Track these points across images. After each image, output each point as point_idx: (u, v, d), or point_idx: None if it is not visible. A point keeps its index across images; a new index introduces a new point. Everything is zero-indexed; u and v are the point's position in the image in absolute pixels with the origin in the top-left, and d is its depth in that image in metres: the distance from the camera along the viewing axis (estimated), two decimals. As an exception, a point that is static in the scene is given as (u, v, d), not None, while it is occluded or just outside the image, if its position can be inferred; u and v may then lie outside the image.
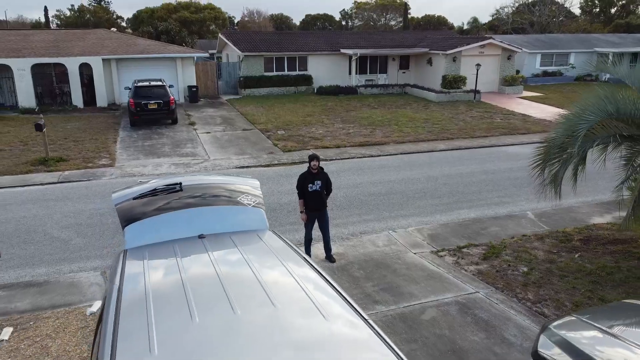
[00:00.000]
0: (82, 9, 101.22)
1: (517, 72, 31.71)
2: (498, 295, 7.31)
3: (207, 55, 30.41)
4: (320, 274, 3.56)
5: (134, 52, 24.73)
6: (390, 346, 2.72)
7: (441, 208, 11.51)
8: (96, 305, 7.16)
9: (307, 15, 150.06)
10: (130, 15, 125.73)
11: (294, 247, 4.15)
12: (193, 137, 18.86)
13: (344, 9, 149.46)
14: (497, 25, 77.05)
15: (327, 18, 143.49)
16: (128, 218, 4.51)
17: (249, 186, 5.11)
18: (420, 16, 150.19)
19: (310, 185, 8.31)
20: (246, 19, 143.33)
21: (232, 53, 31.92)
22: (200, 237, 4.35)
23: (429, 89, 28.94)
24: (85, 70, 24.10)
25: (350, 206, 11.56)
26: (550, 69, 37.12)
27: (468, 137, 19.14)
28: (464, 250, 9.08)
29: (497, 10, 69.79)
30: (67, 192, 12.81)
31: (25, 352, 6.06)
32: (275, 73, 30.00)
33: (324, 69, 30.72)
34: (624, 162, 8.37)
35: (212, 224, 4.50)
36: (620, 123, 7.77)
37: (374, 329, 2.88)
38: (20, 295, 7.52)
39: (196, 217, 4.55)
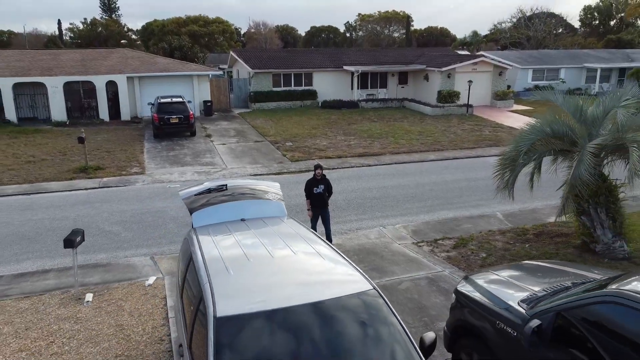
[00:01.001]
0: (94, 22, 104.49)
1: (508, 87, 33.93)
2: (459, 273, 9.46)
3: (220, 73, 32.76)
4: (319, 237, 5.78)
5: (154, 70, 27.17)
6: (358, 270, 4.93)
7: (425, 209, 13.69)
8: (151, 280, 9.38)
9: (312, 27, 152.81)
10: (139, 27, 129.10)
11: (304, 225, 6.38)
12: (211, 148, 21.16)
13: (348, 21, 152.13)
14: (496, 39, 79.45)
15: (331, 30, 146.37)
16: (193, 207, 6.75)
17: (273, 187, 7.36)
18: (423, 28, 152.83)
19: (315, 188, 10.55)
20: (252, 30, 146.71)
21: (242, 69, 34.34)
22: (242, 220, 6.57)
23: (425, 103, 31.21)
24: (111, 87, 26.51)
25: (349, 208, 13.76)
26: (541, 83, 39.27)
27: (457, 148, 21.33)
28: (439, 242, 11.25)
29: (494, 26, 72.03)
30: (108, 195, 15.08)
31: (106, 309, 8.28)
32: (282, 88, 32.37)
33: (327, 84, 33.06)
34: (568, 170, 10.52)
35: (250, 212, 6.72)
36: (556, 140, 9.96)
37: (349, 262, 5.09)
38: (92, 273, 9.75)
39: (238, 207, 6.78)
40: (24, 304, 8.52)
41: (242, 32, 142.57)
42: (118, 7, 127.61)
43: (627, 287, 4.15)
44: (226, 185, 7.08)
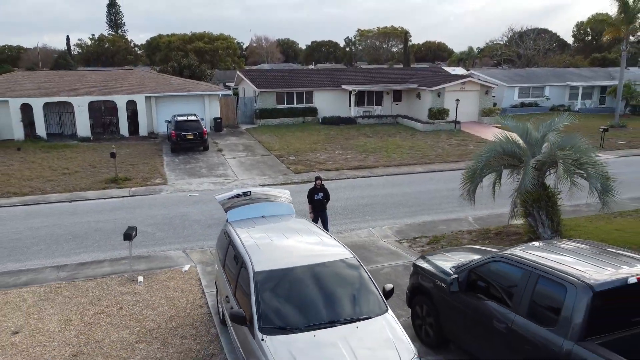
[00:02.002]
0: (102, 38, 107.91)
1: (494, 104, 36.63)
2: (429, 262, 11.96)
3: (229, 92, 35.42)
4: (318, 227, 8.35)
5: (169, 90, 29.88)
6: (344, 245, 7.49)
7: (409, 214, 16.22)
8: (187, 267, 11.90)
9: (312, 42, 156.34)
10: (143, 41, 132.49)
11: (307, 219, 8.94)
12: (223, 162, 23.77)
13: (348, 37, 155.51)
14: (490, 55, 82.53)
15: (331, 44, 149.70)
16: (227, 207, 9.31)
17: (284, 194, 9.92)
18: (421, 42, 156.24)
19: (316, 195, 13.12)
20: (254, 45, 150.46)
21: (248, 88, 37.10)
22: (263, 216, 9.13)
23: (417, 120, 33.89)
24: (130, 105, 29.18)
25: (344, 212, 16.29)
26: (527, 100, 42.06)
27: (443, 161, 23.90)
28: (417, 239, 13.77)
29: (486, 44, 75.13)
30: (138, 202, 17.64)
31: (155, 287, 10.79)
32: (285, 106, 35.08)
33: (327, 102, 35.77)
34: (517, 181, 13.06)
35: (268, 210, 9.28)
36: (507, 157, 12.53)
37: (337, 241, 7.65)
38: (138, 262, 12.26)
39: (260, 207, 9.34)
40: (91, 284, 11.05)
41: (244, 46, 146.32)
42: (124, 22, 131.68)
43: (506, 252, 6.69)
44: (250, 191, 9.66)
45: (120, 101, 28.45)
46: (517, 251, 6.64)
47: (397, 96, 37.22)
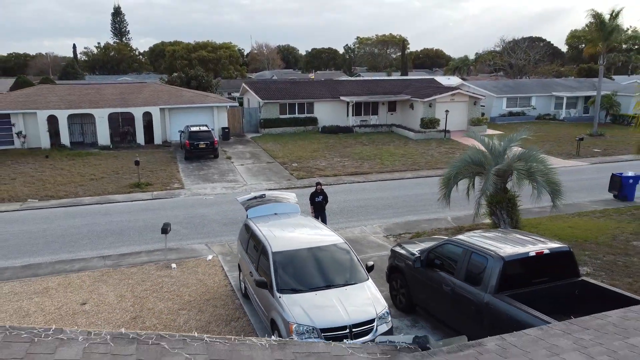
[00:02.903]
0: (107, 46, 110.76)
1: (482, 114, 39.26)
2: (410, 253, 14.51)
3: (236, 104, 37.99)
4: (317, 221, 10.95)
5: (181, 102, 32.52)
6: (337, 234, 10.08)
7: (397, 215, 18.78)
8: (210, 257, 14.46)
9: (312, 49, 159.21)
10: (146, 48, 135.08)
11: (310, 215, 11.54)
12: (232, 168, 26.36)
13: (347, 44, 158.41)
14: (486, 63, 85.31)
15: (331, 52, 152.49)
16: (247, 206, 11.90)
17: (291, 196, 12.51)
18: (419, 50, 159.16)
19: (316, 198, 15.70)
20: (255, 51, 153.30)
21: (252, 98, 39.75)
22: (275, 213, 11.72)
23: (410, 129, 36.51)
24: (145, 116, 31.79)
25: (341, 213, 18.85)
26: (515, 109, 44.70)
27: (431, 168, 26.46)
28: (402, 235, 16.33)
29: (477, 54, 77.91)
30: (161, 205, 20.21)
31: (187, 272, 13.36)
32: (288, 115, 37.72)
33: (326, 112, 38.40)
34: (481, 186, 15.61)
35: (279, 209, 11.86)
36: (475, 166, 15.11)
37: (332, 230, 10.24)
38: (170, 253, 14.82)
39: (272, 206, 11.92)
40: (133, 269, 13.62)
41: (245, 53, 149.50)
42: (128, 30, 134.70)
43: (455, 237, 9.29)
44: (264, 194, 12.25)
45: (137, 112, 31.08)
46: (460, 237, 9.23)
47: (392, 106, 39.85)
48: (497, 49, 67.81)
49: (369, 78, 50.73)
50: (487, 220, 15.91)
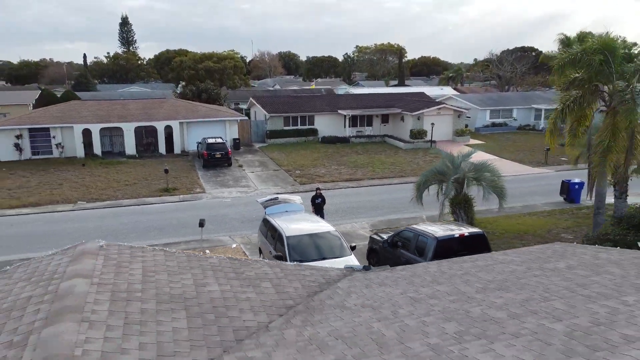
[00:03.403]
0: (116, 56, 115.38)
1: (466, 125, 43.58)
2: (388, 242, 18.78)
3: (246, 118, 42.26)
4: (317, 217, 15.30)
5: (197, 116, 36.88)
6: (330, 225, 14.41)
7: (382, 214, 23.04)
8: (234, 245, 18.75)
9: (313, 57, 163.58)
10: (145, 51, 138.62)
11: (312, 213, 15.87)
12: (244, 175, 30.66)
13: (346, 53, 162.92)
14: (480, 71, 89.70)
15: (331, 60, 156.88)
16: (265, 206, 16.26)
17: (298, 198, 16.86)
18: (417, 57, 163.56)
19: (316, 200, 20.02)
20: (257, 59, 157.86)
21: (259, 111, 44.09)
22: (286, 211, 16.05)
23: (400, 139, 40.84)
24: (166, 129, 36.12)
25: (336, 213, 23.12)
26: (497, 120, 49.00)
27: (415, 175, 30.63)
28: (384, 229, 20.58)
29: (469, 65, 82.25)
30: (188, 206, 24.49)
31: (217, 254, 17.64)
32: (291, 127, 42.06)
33: (326, 124, 42.73)
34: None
35: (289, 208, 16.20)
36: (440, 175, 19.39)
37: (328, 224, 14.58)
38: (204, 243, 19.10)
39: (284, 206, 16.25)
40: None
41: (248, 60, 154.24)
42: (135, 40, 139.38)
43: (409, 226, 13.58)
44: (278, 197, 16.59)
45: (159, 126, 35.44)
46: (412, 226, 13.53)
47: (385, 119, 44.17)
48: (490, 57, 72.11)
49: (365, 92, 55.10)
50: (451, 218, 20.17)
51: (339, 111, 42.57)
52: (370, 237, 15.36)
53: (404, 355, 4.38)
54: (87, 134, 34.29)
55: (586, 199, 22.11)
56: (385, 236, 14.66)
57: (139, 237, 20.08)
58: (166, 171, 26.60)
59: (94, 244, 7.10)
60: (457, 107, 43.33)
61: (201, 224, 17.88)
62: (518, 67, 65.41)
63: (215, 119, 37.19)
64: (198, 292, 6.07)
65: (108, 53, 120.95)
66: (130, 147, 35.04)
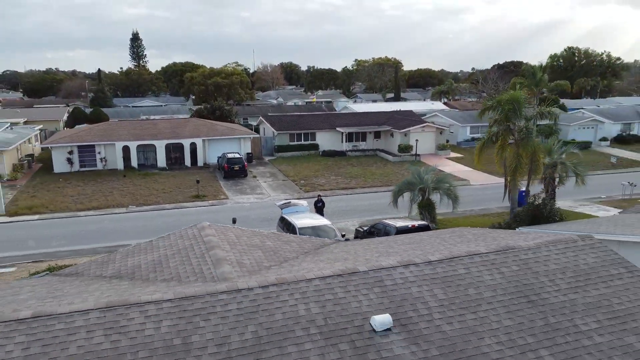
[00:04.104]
0: (129, 71, 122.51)
1: (447, 141, 50.23)
2: (371, 235, 25.39)
3: (258, 135, 48.93)
4: (319, 215, 22.00)
5: (216, 134, 43.56)
6: (328, 221, 21.09)
7: (369, 215, 29.58)
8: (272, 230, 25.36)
9: (314, 70, 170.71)
10: (157, 67, 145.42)
11: (315, 213, 22.54)
12: (258, 185, 37.28)
13: (345, 66, 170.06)
14: (472, 82, 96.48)
15: (331, 72, 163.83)
16: (281, 207, 22.98)
17: (304, 202, 23.55)
18: (414, 69, 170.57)
19: (317, 204, 26.68)
20: (260, 70, 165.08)
21: (267, 129, 50.79)
22: (296, 211, 22.72)
23: (390, 153, 47.48)
24: (191, 145, 42.76)
25: (333, 214, 29.66)
26: (477, 135, 55.49)
27: (399, 184, 37.28)
28: (365, 223, 27.15)
29: (455, 85, 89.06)
30: (217, 209, 31.08)
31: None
32: (296, 142, 48.73)
33: (325, 139, 49.37)
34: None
35: (298, 209, 22.91)
36: (410, 185, 25.97)
37: (327, 220, 21.27)
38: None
39: (294, 208, 22.95)
40: (216, 243, 24.50)
41: (251, 71, 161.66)
42: (145, 54, 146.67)
43: (380, 221, 20.16)
44: (290, 201, 23.28)
45: (185, 143, 42.13)
46: (383, 220, 20.12)
47: (377, 135, 50.84)
48: (475, 74, 78.87)
49: (360, 111, 61.78)
50: (419, 217, 26.68)
51: (337, 128, 49.27)
52: (356, 229, 21.95)
53: (357, 260, 10.93)
54: (125, 149, 40.95)
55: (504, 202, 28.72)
56: (365, 227, 21.24)
57: (184, 232, 26.62)
58: (198, 182, 33.24)
59: (204, 224, 13.69)
60: (440, 124, 50.07)
61: (234, 221, 24.50)
62: (500, 85, 72.14)
63: (231, 136, 43.89)
64: (263, 243, 12.69)
65: (121, 68, 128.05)
66: (161, 160, 41.71)
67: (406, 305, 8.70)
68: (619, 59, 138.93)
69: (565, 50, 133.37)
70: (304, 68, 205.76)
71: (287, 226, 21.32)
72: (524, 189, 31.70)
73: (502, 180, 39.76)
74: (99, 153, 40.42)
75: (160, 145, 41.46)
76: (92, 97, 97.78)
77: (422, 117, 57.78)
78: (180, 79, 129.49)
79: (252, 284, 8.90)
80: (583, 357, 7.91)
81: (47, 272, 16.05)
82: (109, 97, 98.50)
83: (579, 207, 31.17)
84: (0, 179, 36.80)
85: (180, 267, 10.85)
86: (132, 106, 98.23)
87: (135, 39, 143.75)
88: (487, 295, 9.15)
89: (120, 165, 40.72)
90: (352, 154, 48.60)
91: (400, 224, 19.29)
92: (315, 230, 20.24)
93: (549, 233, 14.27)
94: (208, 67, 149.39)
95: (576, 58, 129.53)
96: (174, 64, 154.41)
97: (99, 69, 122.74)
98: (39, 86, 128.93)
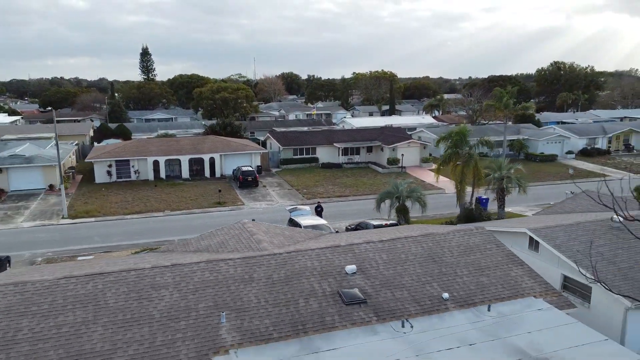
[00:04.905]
0: (140, 85, 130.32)
1: (430, 154, 57.77)
2: (359, 233, 32.88)
3: (266, 150, 56.51)
4: (319, 217, 29.58)
5: (231, 150, 51.08)
6: (326, 221, 28.64)
7: (358, 217, 36.96)
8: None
9: (314, 82, 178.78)
10: (160, 75, 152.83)
11: (315, 215, 30.09)
12: (268, 193, 44.75)
13: (343, 75, 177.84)
14: (454, 103, 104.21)
15: (330, 84, 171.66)
16: (290, 211, 30.56)
17: (307, 207, 31.15)
18: (409, 81, 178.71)
19: (317, 208, 34.22)
20: (262, 81, 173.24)
21: (274, 144, 58.35)
22: (302, 214, 30.25)
23: (380, 165, 55.00)
24: (210, 159, 50.26)
25: (330, 217, 37.07)
26: (457, 149, 63.11)
27: (386, 192, 44.76)
28: (353, 223, 34.62)
29: (442, 101, 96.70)
30: (237, 213, 38.53)
31: (263, 240, 31.78)
32: (298, 156, 56.24)
33: (324, 153, 56.89)
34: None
35: (302, 212, 30.47)
36: (389, 194, 33.42)
37: (325, 220, 28.83)
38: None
39: (300, 211, 30.51)
40: (239, 239, 32.03)
41: (253, 80, 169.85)
42: (154, 68, 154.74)
43: (364, 220, 27.62)
44: (296, 207, 30.84)
45: (205, 157, 49.67)
46: (366, 220, 27.56)
47: (369, 149, 58.38)
48: (461, 90, 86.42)
49: (356, 125, 69.36)
50: (396, 219, 34.08)
51: (335, 144, 56.83)
52: (346, 227, 29.42)
53: (341, 241, 18.38)
54: (155, 163, 48.45)
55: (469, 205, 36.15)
56: (353, 225, 28.69)
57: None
58: (219, 191, 40.72)
59: (245, 220, 21.15)
60: (424, 140, 57.66)
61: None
62: (483, 102, 79.72)
63: (244, 152, 51.44)
64: (283, 232, 20.20)
65: (134, 83, 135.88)
66: (185, 172, 49.23)
67: (365, 262, 16.19)
68: (602, 73, 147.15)
69: (551, 64, 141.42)
70: (303, 76, 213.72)
71: (294, 225, 28.73)
72: (485, 196, 39.22)
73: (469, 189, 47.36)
74: (133, 166, 47.92)
75: (185, 160, 49.00)
76: (109, 110, 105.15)
77: (411, 133, 65.46)
78: (186, 91, 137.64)
79: (281, 251, 16.41)
80: (454, 287, 15.37)
81: (147, 251, 23.53)
82: (124, 110, 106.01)
83: (528, 211, 38.64)
84: (52, 188, 44.36)
85: (237, 245, 18.36)
86: (145, 119, 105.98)
87: (145, 53, 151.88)
88: (410, 258, 16.65)
89: (151, 176, 48.23)
90: (347, 166, 56.12)
91: (376, 222, 26.74)
92: (315, 228, 27.64)
93: (465, 226, 21.65)
94: (211, 77, 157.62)
95: (562, 72, 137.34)
96: (180, 76, 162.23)
97: (111, 82, 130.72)
98: (54, 98, 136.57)
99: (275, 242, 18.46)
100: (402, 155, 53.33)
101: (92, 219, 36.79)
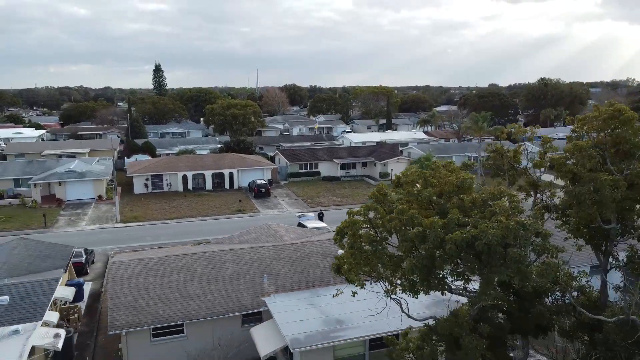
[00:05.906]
0: (155, 100, 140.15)
1: (416, 169, 67.11)
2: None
3: (277, 166, 65.93)
4: (321, 221, 39.01)
5: (247, 165, 60.50)
6: (326, 225, 38.05)
7: (352, 222, 46.28)
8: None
9: (315, 95, 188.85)
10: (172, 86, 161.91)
11: (318, 220, 39.48)
12: (279, 202, 54.09)
13: (344, 85, 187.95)
14: (446, 118, 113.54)
15: (332, 98, 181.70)
16: (298, 217, 39.96)
17: (312, 214, 40.55)
18: (406, 92, 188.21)
19: (320, 215, 43.61)
20: (266, 91, 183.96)
21: (282, 159, 67.81)
22: (308, 219, 39.64)
23: (373, 178, 64.37)
24: (229, 173, 59.64)
25: (330, 222, 46.34)
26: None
27: (376, 202, 54.14)
28: (351, 229, 43.95)
29: (434, 115, 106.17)
30: (255, 219, 47.84)
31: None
32: (303, 170, 65.64)
33: (325, 168, 66.26)
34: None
35: (309, 218, 39.84)
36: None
37: (325, 224, 38.23)
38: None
39: (306, 217, 39.87)
40: (259, 238, 41.36)
41: (256, 89, 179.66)
42: (166, 84, 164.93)
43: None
44: (304, 213, 40.28)
45: (225, 172, 59.12)
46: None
47: (364, 164, 67.74)
48: (449, 107, 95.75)
49: (354, 141, 78.76)
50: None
51: (334, 160, 66.28)
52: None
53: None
54: (184, 177, 57.86)
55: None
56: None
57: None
58: (240, 200, 50.10)
59: (269, 223, 30.51)
60: (411, 157, 67.10)
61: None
62: (466, 118, 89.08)
63: (257, 167, 60.91)
64: (296, 230, 29.57)
65: (148, 98, 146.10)
66: (208, 184, 58.65)
67: (350, 248, 25.57)
68: (587, 88, 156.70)
69: (538, 81, 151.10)
70: (305, 85, 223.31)
71: (302, 227, 38.02)
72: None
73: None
74: (166, 180, 57.37)
75: (208, 174, 58.47)
76: (131, 125, 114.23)
77: (402, 148, 74.91)
78: (195, 104, 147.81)
79: (296, 242, 25.83)
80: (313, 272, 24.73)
81: (203, 243, 32.91)
82: (142, 126, 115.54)
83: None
84: (100, 198, 53.80)
85: (267, 238, 27.73)
86: (160, 133, 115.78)
87: (157, 70, 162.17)
88: (379, 246, 26.03)
89: (180, 188, 57.66)
90: (345, 179, 65.49)
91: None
92: (318, 229, 36.88)
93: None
94: (214, 85, 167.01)
95: (547, 88, 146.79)
96: (189, 89, 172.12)
97: (129, 98, 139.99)
98: (74, 112, 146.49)
99: (292, 237, 27.82)
100: (392, 170, 62.70)
101: (140, 223, 46.15)
